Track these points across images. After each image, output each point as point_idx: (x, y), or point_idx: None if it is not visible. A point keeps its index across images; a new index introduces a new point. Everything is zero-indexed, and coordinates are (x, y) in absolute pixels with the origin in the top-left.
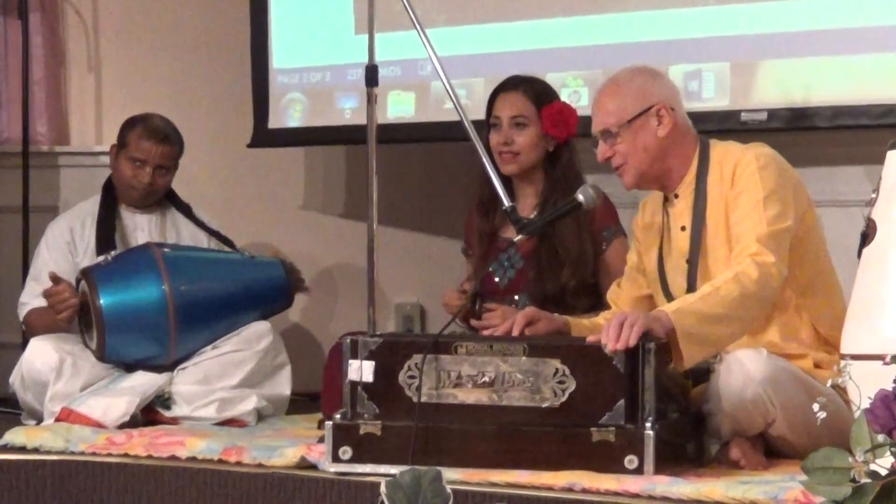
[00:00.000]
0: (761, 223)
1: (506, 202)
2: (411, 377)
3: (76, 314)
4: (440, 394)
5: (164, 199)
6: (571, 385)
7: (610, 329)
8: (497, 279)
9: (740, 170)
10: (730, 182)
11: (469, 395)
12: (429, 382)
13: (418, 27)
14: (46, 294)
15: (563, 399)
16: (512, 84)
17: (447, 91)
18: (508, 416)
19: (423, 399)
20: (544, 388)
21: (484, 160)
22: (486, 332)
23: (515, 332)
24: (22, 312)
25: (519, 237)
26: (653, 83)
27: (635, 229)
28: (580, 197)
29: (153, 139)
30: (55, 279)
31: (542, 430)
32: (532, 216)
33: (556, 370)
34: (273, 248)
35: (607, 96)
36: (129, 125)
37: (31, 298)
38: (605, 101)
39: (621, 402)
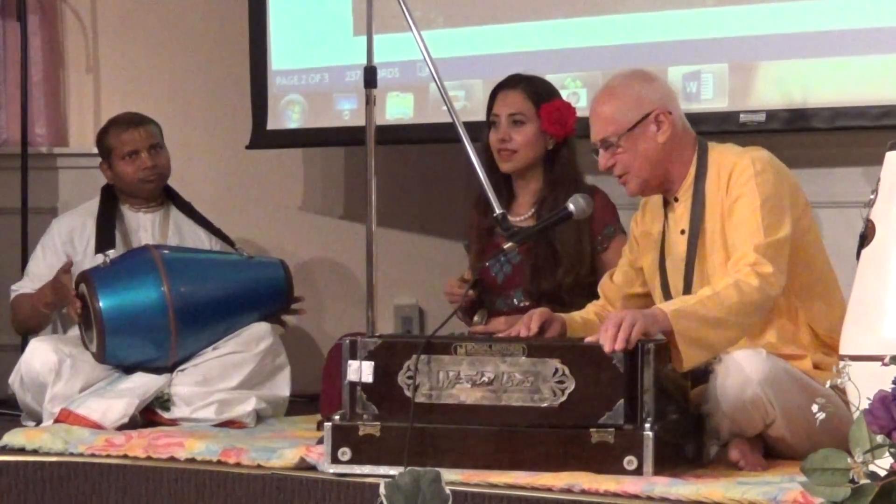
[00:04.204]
0: (759, 232)
1: (497, 209)
2: (410, 378)
3: (67, 306)
4: (439, 394)
5: (165, 199)
6: (571, 385)
7: (608, 329)
8: (494, 274)
9: (736, 174)
10: (726, 187)
11: (468, 396)
12: (428, 383)
13: (414, 29)
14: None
15: (563, 399)
16: (511, 82)
17: (441, 94)
18: (507, 416)
19: (422, 399)
20: (543, 388)
21: (476, 164)
22: (505, 333)
23: (533, 331)
24: (11, 297)
25: (509, 244)
26: (649, 88)
27: (634, 228)
28: (571, 207)
29: (130, 126)
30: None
31: (542, 431)
32: (530, 213)
33: (556, 370)
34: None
35: (604, 104)
36: (103, 134)
37: (20, 286)
38: (603, 110)
39: (620, 402)
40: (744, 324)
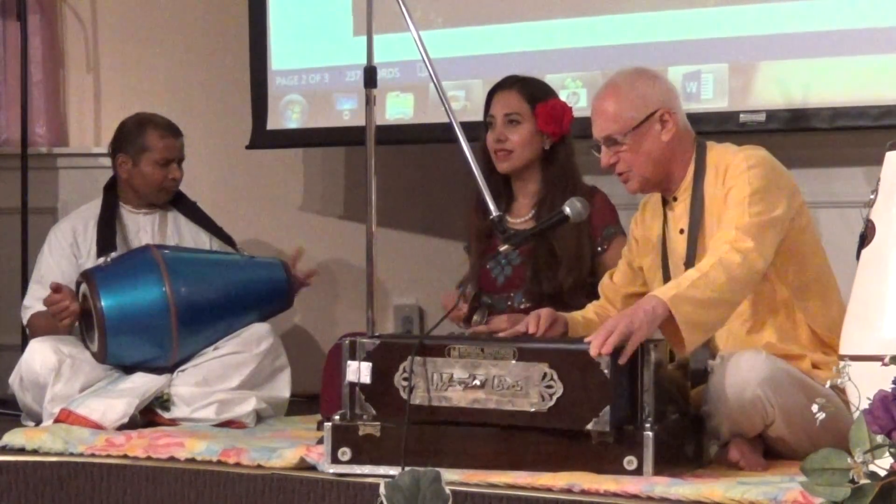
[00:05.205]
0: (743, 216)
1: (494, 211)
2: (406, 379)
3: (77, 320)
4: (434, 396)
5: (165, 202)
6: (559, 390)
7: (599, 334)
8: (494, 276)
9: (731, 170)
10: (723, 184)
11: (461, 398)
12: (423, 384)
13: (414, 30)
14: (47, 302)
15: (551, 403)
16: (507, 83)
17: (439, 96)
18: (499, 419)
19: (419, 401)
20: (532, 393)
21: (474, 166)
22: (511, 331)
23: (541, 331)
24: (25, 316)
25: (504, 247)
26: (653, 87)
27: (634, 229)
28: (567, 210)
29: (172, 135)
30: (56, 288)
31: (541, 432)
32: (530, 215)
33: (545, 374)
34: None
35: (609, 102)
36: (139, 128)
37: (34, 302)
38: (607, 107)
39: (607, 409)
40: (733, 300)
